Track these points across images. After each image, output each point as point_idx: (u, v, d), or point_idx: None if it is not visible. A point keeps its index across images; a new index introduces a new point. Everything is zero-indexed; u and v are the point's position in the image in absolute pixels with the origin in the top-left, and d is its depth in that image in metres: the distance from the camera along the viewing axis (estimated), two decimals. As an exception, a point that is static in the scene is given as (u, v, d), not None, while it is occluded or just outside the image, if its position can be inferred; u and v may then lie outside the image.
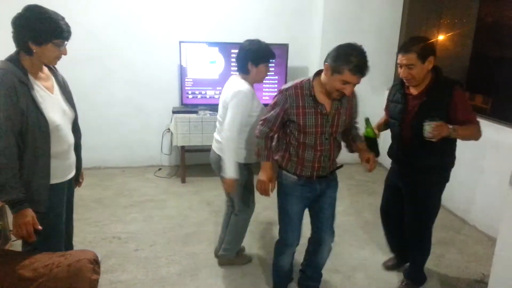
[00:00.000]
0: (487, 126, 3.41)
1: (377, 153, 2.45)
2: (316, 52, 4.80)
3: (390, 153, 2.63)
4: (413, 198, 2.51)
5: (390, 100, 2.57)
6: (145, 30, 4.47)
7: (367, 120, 2.50)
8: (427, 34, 4.74)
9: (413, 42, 2.27)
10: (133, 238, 3.23)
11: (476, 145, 3.46)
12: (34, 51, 1.77)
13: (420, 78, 2.29)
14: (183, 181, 4.42)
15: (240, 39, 4.45)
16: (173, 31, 4.49)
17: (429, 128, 2.16)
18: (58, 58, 1.88)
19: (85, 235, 3.25)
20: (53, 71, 1.99)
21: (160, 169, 4.81)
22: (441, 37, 4.64)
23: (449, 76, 2.37)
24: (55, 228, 1.99)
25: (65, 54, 1.88)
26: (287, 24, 4.78)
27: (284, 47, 4.51)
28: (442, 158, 2.39)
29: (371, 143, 2.47)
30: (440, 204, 2.55)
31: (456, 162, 2.51)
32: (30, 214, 1.78)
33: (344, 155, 5.22)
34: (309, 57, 4.98)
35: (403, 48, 2.29)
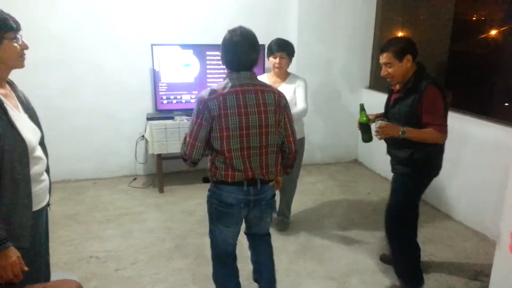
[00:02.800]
0: (469, 122, 3.45)
1: (370, 138, 2.57)
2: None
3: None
4: (391, 188, 2.63)
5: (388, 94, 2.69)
6: (115, 33, 4.23)
7: (361, 106, 2.62)
8: (402, 32, 4.75)
9: (390, 42, 2.44)
10: (113, 256, 3.01)
11: (458, 141, 3.51)
12: None
13: (399, 76, 2.38)
14: (161, 190, 4.21)
15: (214, 40, 4.35)
16: (145, 34, 4.28)
17: (375, 127, 2.33)
18: (22, 56, 1.65)
19: (59, 256, 2.99)
20: (13, 87, 1.75)
21: (135, 179, 4.57)
22: (416, 35, 4.66)
23: (429, 74, 2.41)
24: (37, 260, 1.77)
25: (26, 48, 1.65)
26: (262, 24, 4.63)
27: (261, 48, 4.38)
28: (415, 153, 2.40)
29: (364, 128, 2.60)
30: (418, 200, 2.63)
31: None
32: (14, 254, 1.51)
33: (323, 155, 5.19)
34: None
35: (382, 47, 2.44)
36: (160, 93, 4.22)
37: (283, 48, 3.11)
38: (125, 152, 4.57)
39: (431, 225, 3.53)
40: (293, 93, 3.18)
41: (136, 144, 4.55)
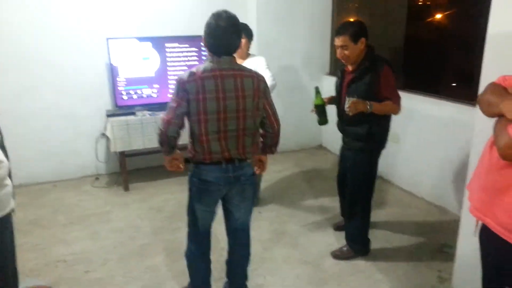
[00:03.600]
0: (427, 103, 3.59)
1: (326, 120, 2.79)
2: (253, 41, 4.69)
3: (337, 124, 2.88)
4: (349, 162, 2.80)
5: (336, 76, 2.86)
6: (67, 28, 4.03)
7: (316, 89, 2.79)
8: (358, 18, 4.85)
9: (345, 25, 2.59)
10: (81, 259, 2.90)
11: (417, 121, 3.65)
12: None
13: (354, 57, 2.57)
14: (126, 189, 4.09)
15: (174, 32, 4.28)
16: (99, 27, 4.11)
17: (347, 104, 2.46)
18: None
19: (24, 262, 2.83)
20: None
21: (97, 178, 4.42)
22: (372, 21, 4.77)
23: (381, 55, 2.61)
24: (4, 269, 1.67)
25: None
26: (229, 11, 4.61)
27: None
28: (372, 128, 2.60)
29: (320, 110, 2.77)
30: (377, 170, 2.82)
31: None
32: None
33: (288, 142, 5.23)
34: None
35: (338, 31, 2.58)
36: (119, 88, 4.08)
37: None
38: (85, 151, 4.39)
39: (395, 203, 3.66)
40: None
41: (97, 143, 4.39)
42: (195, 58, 4.29)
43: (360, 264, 2.78)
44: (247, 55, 3.38)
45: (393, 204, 3.63)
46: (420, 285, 2.55)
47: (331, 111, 2.84)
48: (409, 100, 3.72)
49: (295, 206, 3.70)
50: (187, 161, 2.16)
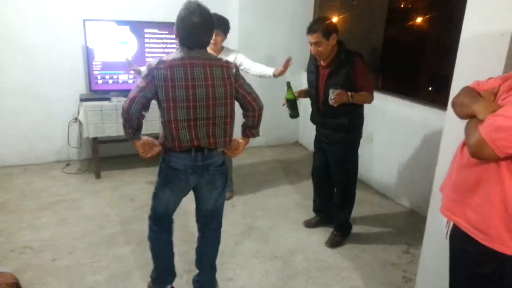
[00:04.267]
0: (401, 105, 3.64)
1: (297, 114, 2.92)
2: (234, 33, 4.64)
3: (312, 118, 3.03)
4: (334, 155, 2.92)
5: (308, 72, 2.95)
6: (43, 8, 3.89)
7: (288, 83, 2.90)
8: (340, 16, 4.87)
9: (317, 23, 2.68)
10: (48, 246, 2.84)
11: (390, 122, 3.71)
12: None
13: (327, 53, 2.69)
14: (98, 176, 4.01)
15: (152, 17, 4.19)
16: (76, 8, 3.98)
17: (331, 95, 2.58)
18: None
19: (-15, 248, 2.77)
20: None
21: (68, 164, 4.31)
22: (353, 20, 4.80)
23: (351, 49, 2.78)
24: None
25: None
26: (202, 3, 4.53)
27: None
28: (352, 118, 2.77)
29: (291, 104, 2.89)
30: (358, 158, 2.99)
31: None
32: None
33: (265, 137, 5.25)
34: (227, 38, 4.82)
35: (310, 29, 2.67)
36: (95, 72, 3.99)
37: (219, 26, 3.10)
38: (56, 136, 4.28)
39: (366, 203, 3.73)
40: None
41: (69, 128, 4.28)
42: (174, 45, 4.21)
43: (329, 261, 2.83)
44: (221, 49, 3.33)
45: (363, 204, 3.70)
46: (385, 284, 2.62)
47: (304, 105, 2.90)
48: (384, 101, 3.80)
49: (269, 201, 3.72)
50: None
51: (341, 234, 3.07)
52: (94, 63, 3.95)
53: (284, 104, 2.93)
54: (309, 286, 2.57)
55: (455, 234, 1.61)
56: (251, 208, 3.55)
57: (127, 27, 3.98)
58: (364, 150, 4.10)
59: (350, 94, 2.61)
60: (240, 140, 2.25)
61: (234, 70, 2.05)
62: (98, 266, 2.65)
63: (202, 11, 1.89)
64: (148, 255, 2.70)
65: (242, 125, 2.23)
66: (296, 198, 3.78)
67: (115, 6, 4.14)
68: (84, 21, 3.82)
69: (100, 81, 4.03)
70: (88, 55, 3.93)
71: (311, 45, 2.69)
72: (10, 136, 4.11)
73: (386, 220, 3.45)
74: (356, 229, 3.24)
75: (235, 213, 3.45)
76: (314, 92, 2.88)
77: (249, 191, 3.89)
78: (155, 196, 2.19)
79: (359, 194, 3.14)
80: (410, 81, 4.01)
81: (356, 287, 2.58)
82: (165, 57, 1.94)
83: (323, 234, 3.14)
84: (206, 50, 2.02)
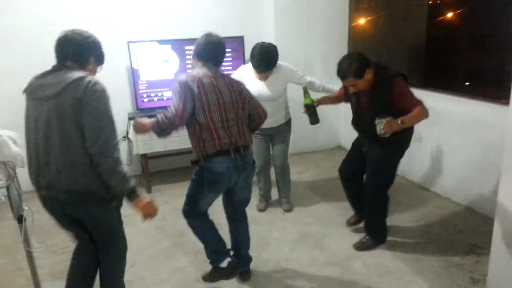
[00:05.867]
0: (451, 101, 3.54)
1: (317, 120, 2.87)
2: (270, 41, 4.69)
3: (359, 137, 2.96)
4: (376, 160, 2.78)
5: (347, 91, 2.77)
6: (89, 31, 4.07)
7: (304, 89, 2.87)
8: (376, 16, 4.80)
9: (345, 67, 2.49)
10: (110, 261, 2.92)
11: (441, 120, 3.60)
12: None
13: (366, 87, 2.56)
14: (149, 191, 4.12)
15: (192, 34, 4.25)
16: (120, 31, 4.14)
17: (381, 126, 2.39)
18: None
19: (54, 265, 2.89)
20: None
21: (119, 181, 4.44)
22: (391, 18, 4.72)
23: (390, 68, 2.62)
24: None
25: None
26: (239, 16, 4.61)
27: (240, 40, 4.34)
28: (399, 137, 2.55)
29: (310, 110, 2.84)
30: (396, 171, 2.87)
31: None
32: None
33: (307, 143, 5.24)
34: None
35: (340, 75, 2.54)
36: (141, 91, 4.12)
37: (270, 67, 3.12)
38: (107, 154, 4.42)
39: (422, 204, 3.62)
40: (282, 86, 3.27)
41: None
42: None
43: (389, 265, 2.76)
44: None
45: (419, 204, 3.60)
46: (452, 286, 2.52)
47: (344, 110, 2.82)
48: (431, 98, 3.66)
49: (318, 207, 3.69)
50: (193, 162, 2.36)
51: (372, 239, 2.96)
52: (139, 82, 4.08)
53: (304, 112, 2.90)
54: (372, 291, 2.51)
55: None
56: (300, 215, 3.53)
57: (168, 46, 4.10)
58: (414, 150, 4.01)
59: (400, 121, 2.40)
60: None
61: (242, 86, 2.40)
62: (159, 279, 2.71)
63: (218, 37, 2.36)
64: (207, 266, 2.76)
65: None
66: (345, 203, 3.68)
67: (156, 26, 4.28)
68: (128, 43, 3.97)
69: (146, 99, 4.16)
70: (134, 75, 4.07)
71: (348, 87, 2.59)
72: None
73: (443, 220, 3.33)
74: (413, 230, 3.16)
75: (285, 220, 3.44)
76: (354, 117, 2.82)
77: (297, 198, 3.87)
78: (196, 200, 2.42)
79: (412, 194, 3.07)
80: (459, 76, 3.88)
81: (421, 291, 2.50)
82: (190, 72, 2.31)
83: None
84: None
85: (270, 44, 3.08)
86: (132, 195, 1.94)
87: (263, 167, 3.50)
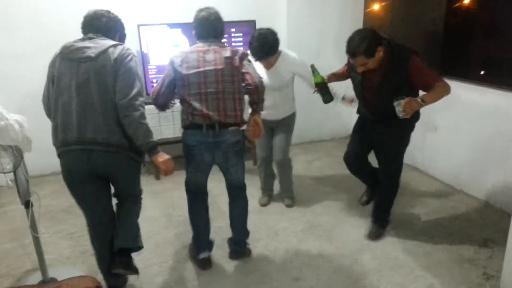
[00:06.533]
0: (468, 90, 3.41)
1: (330, 98, 2.66)
2: (283, 27, 4.57)
3: (359, 112, 2.91)
4: (388, 137, 2.68)
5: (350, 68, 2.71)
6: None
7: (312, 66, 2.66)
8: (391, 4, 4.64)
9: (356, 45, 2.35)
10: (117, 247, 2.91)
11: (457, 109, 3.49)
12: None
13: (376, 66, 2.43)
14: (158, 177, 4.09)
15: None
16: (130, 14, 4.05)
17: (401, 108, 2.27)
18: None
19: (61, 250, 2.89)
20: None
21: (128, 166, 4.43)
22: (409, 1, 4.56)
23: (402, 45, 2.49)
24: None
25: None
26: (250, 0, 4.50)
27: (251, 24, 4.23)
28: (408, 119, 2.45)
29: (321, 89, 2.64)
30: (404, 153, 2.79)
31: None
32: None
33: (317, 132, 5.12)
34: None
35: (349, 53, 2.41)
36: (150, 76, 4.06)
37: (267, 55, 2.93)
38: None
39: (434, 196, 3.54)
40: (287, 76, 3.11)
41: (127, 131, 4.39)
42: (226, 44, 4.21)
43: (400, 259, 2.70)
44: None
45: (431, 197, 3.52)
46: (464, 282, 2.45)
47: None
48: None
49: (328, 197, 3.63)
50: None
51: (380, 225, 2.97)
52: (149, 67, 4.02)
53: (314, 92, 2.72)
54: (382, 285, 2.46)
55: None
56: (311, 205, 3.47)
57: (179, 30, 4.01)
58: (428, 140, 3.91)
59: (420, 99, 2.31)
60: (255, 117, 2.51)
61: (240, 54, 2.40)
62: (166, 266, 2.69)
63: (209, 9, 2.43)
64: (215, 254, 2.75)
65: (248, 103, 2.52)
66: (357, 194, 3.62)
67: (166, 9, 4.19)
68: (139, 26, 3.90)
69: (155, 85, 4.09)
70: (143, 59, 4.00)
71: (358, 65, 2.44)
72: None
73: (457, 213, 3.25)
74: (425, 224, 3.09)
75: (294, 210, 3.39)
76: (359, 94, 2.71)
77: (307, 187, 3.82)
78: (186, 172, 2.56)
79: (426, 186, 2.99)
80: (478, 64, 3.73)
81: (432, 286, 2.44)
82: (185, 49, 2.43)
83: (392, 231, 3.00)
84: (220, 41, 2.45)
85: (268, 30, 2.89)
86: (153, 149, 2.13)
87: (264, 159, 3.37)
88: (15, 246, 2.98)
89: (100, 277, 2.39)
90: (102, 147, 2.04)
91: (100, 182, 2.20)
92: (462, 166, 3.59)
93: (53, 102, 2.12)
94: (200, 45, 2.40)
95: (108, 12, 2.24)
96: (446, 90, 2.37)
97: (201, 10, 2.43)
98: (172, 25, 4.00)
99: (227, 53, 2.37)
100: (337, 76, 2.93)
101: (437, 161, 3.86)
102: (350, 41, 2.40)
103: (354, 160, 2.95)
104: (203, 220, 2.63)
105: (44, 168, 4.11)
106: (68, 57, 2.07)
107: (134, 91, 2.03)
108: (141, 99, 2.07)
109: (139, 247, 2.41)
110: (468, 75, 3.53)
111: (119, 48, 2.09)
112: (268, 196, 3.55)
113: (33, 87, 3.83)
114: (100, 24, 2.18)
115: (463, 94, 3.45)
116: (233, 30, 4.22)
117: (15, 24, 3.82)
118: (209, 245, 2.69)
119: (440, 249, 2.79)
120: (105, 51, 2.04)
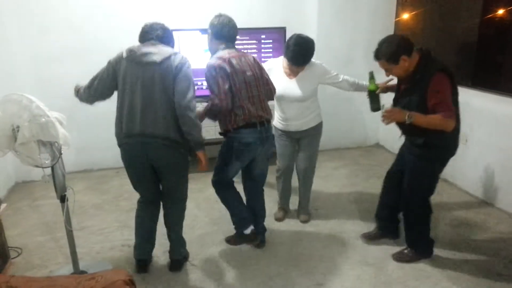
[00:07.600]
0: (504, 103, 3.34)
1: (378, 107, 2.62)
2: (312, 35, 4.58)
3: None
4: (411, 168, 2.61)
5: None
6: (134, 20, 4.11)
7: (371, 74, 2.70)
8: (424, 8, 4.60)
9: (381, 48, 2.38)
10: (144, 244, 2.99)
11: (487, 120, 3.42)
12: None
13: (401, 75, 2.42)
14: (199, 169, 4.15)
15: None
16: (164, 19, 4.15)
17: (382, 113, 2.33)
18: None
19: (91, 245, 2.99)
20: None
21: (156, 167, 4.53)
22: (440, 8, 4.51)
23: (438, 60, 2.39)
24: None
25: None
26: (281, 7, 4.55)
27: (281, 31, 4.28)
28: (428, 138, 2.40)
29: (371, 96, 2.67)
30: (438, 178, 2.64)
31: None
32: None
33: (344, 139, 5.06)
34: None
35: (375, 54, 2.43)
36: (181, 79, 4.15)
37: (305, 61, 2.90)
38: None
39: (464, 209, 3.48)
40: (313, 85, 3.02)
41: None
42: (255, 50, 4.27)
43: (426, 269, 2.66)
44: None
45: (460, 209, 3.45)
46: (492, 297, 2.41)
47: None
48: (479, 98, 3.53)
49: (353, 204, 3.61)
50: (222, 134, 2.66)
51: (415, 252, 2.75)
52: (180, 71, 4.11)
53: (367, 96, 2.71)
54: (407, 295, 2.44)
55: None
56: (335, 212, 3.46)
57: (210, 35, 4.09)
58: (458, 151, 3.84)
59: (408, 114, 2.25)
60: None
61: (258, 61, 2.70)
62: (192, 265, 2.74)
63: (225, 15, 2.59)
64: (240, 256, 2.78)
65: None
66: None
67: (199, 15, 4.29)
68: (172, 31, 3.99)
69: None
70: (175, 63, 4.10)
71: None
72: (104, 141, 4.36)
73: (487, 227, 3.18)
74: (454, 237, 3.04)
75: (318, 217, 3.39)
76: (394, 101, 2.63)
77: (331, 194, 3.81)
78: (224, 169, 2.68)
79: (455, 198, 2.94)
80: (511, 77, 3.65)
81: (459, 299, 2.40)
82: (218, 55, 2.51)
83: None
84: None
85: (307, 36, 2.87)
86: (200, 146, 2.43)
87: (284, 171, 3.25)
88: (47, 239, 3.10)
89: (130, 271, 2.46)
90: (159, 140, 2.33)
91: (154, 174, 2.52)
92: (492, 179, 3.51)
93: (119, 99, 2.40)
94: (232, 51, 2.55)
95: (163, 24, 2.55)
96: (444, 125, 2.27)
97: (220, 15, 2.58)
98: (204, 31, 4.07)
99: (251, 58, 2.64)
100: (388, 88, 2.82)
101: (466, 173, 3.78)
102: (378, 44, 2.44)
103: (392, 174, 2.87)
104: (242, 201, 2.84)
105: (76, 166, 4.27)
106: (134, 60, 2.34)
107: (190, 94, 2.32)
108: (195, 101, 2.36)
109: (185, 258, 2.79)
110: (500, 87, 3.45)
111: (179, 56, 2.38)
112: (284, 211, 3.42)
113: (65, 89, 4.01)
114: (162, 34, 2.48)
115: (495, 106, 3.39)
116: (263, 36, 4.29)
117: (52, 28, 3.99)
118: (251, 219, 2.80)
119: (469, 262, 2.73)
120: (168, 57, 2.33)
